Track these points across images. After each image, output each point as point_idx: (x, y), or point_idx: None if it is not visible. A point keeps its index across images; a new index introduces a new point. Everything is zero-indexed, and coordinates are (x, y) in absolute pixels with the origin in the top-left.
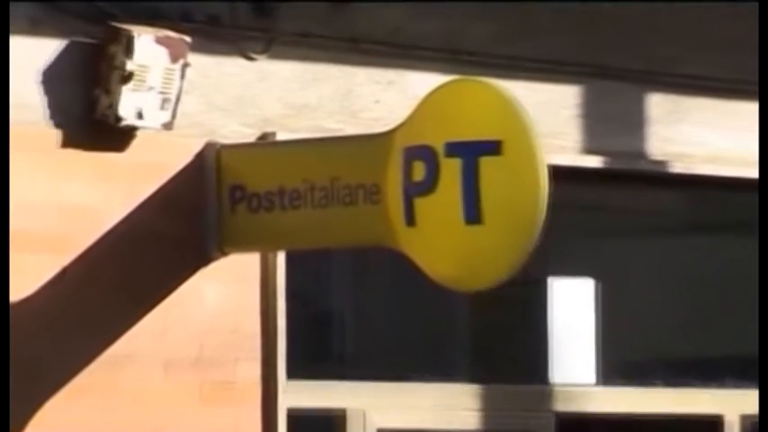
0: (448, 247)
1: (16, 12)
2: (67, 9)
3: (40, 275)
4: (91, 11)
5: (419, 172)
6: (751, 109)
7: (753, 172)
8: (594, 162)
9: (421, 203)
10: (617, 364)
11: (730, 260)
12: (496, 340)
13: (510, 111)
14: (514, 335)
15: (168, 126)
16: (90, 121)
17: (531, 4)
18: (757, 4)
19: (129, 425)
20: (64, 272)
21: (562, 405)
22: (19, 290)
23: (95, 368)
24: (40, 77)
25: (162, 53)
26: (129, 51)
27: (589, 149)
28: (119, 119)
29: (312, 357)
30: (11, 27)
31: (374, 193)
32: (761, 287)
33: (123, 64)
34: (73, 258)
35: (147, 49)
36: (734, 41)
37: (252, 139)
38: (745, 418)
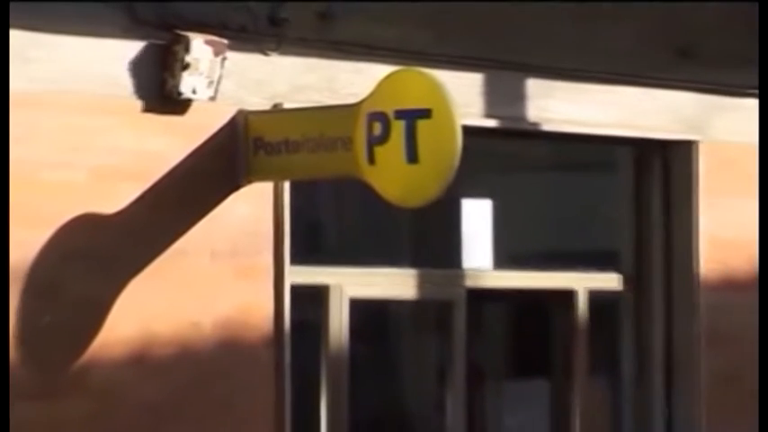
0: (396, 178)
1: (113, 22)
2: (147, 21)
3: (127, 197)
4: (162, 23)
5: (377, 129)
6: (595, 88)
7: (595, 130)
8: (492, 123)
9: (378, 150)
10: (505, 255)
11: (581, 187)
12: (428, 239)
13: (437, 89)
14: (440, 236)
15: (212, 99)
16: (161, 95)
17: (453, 18)
18: (757, 4)
19: (186, 295)
20: None
21: (470, 282)
22: (112, 207)
23: (164, 258)
24: (128, 66)
25: (208, 50)
26: (187, 49)
27: (488, 115)
28: (180, 94)
29: (307, 250)
30: (110, 32)
31: (348, 143)
32: (761, 284)
33: (183, 58)
34: (148, 186)
35: (199, 48)
36: (588, 43)
37: (267, 107)
38: (588, 291)
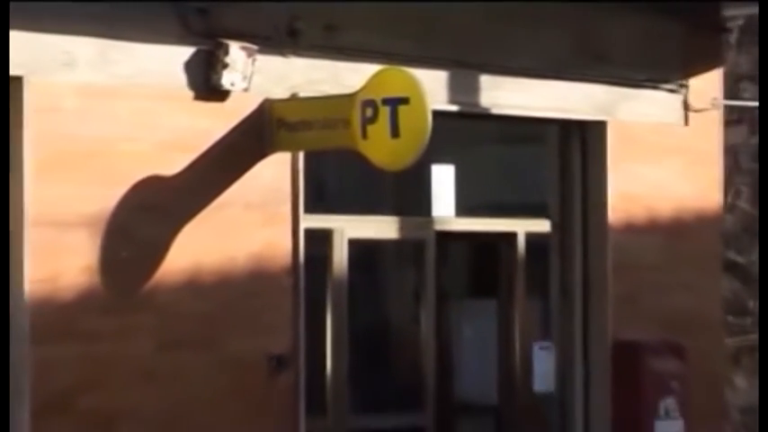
0: (382, 149)
1: (172, 33)
2: (197, 32)
3: (182, 163)
4: (208, 33)
5: (369, 112)
6: (532, 82)
7: (532, 113)
8: (454, 108)
9: (369, 127)
10: (464, 206)
11: (520, 155)
12: (406, 194)
13: (413, 82)
14: (415, 191)
15: (246, 90)
16: (207, 87)
17: (426, 30)
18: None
19: (225, 236)
20: None
21: (438, 226)
22: (171, 170)
23: (210, 208)
24: (183, 66)
25: (243, 54)
26: (226, 53)
27: (452, 102)
28: (221, 86)
29: (316, 202)
30: (170, 40)
31: (347, 123)
32: (761, 287)
33: (223, 59)
34: (198, 155)
35: (235, 52)
36: (528, 48)
37: (287, 96)
38: (526, 233)
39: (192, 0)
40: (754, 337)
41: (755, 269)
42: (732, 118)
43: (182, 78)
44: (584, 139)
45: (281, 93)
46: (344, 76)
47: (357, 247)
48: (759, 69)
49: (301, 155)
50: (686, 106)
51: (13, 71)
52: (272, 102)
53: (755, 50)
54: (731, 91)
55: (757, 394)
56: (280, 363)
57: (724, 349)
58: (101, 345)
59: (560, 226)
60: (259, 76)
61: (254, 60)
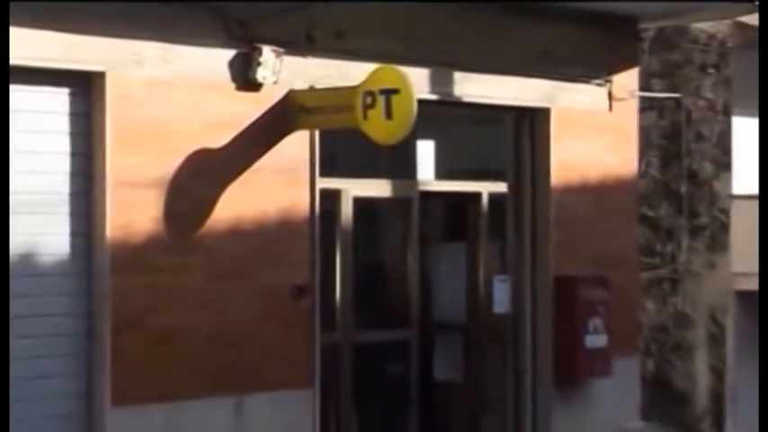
0: (379, 128)
1: (218, 38)
2: (238, 38)
3: (225, 139)
4: (246, 39)
5: (368, 100)
6: (494, 77)
7: (493, 101)
8: (435, 97)
9: (369, 112)
10: (442, 171)
11: (485, 134)
12: (398, 161)
13: (403, 77)
14: (403, 161)
15: (275, 83)
16: (245, 80)
17: (414, 36)
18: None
19: (259, 194)
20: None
21: (421, 187)
22: (216, 144)
23: (247, 173)
24: (227, 64)
25: (272, 55)
26: (260, 54)
27: (432, 92)
28: (256, 80)
29: (329, 168)
30: (216, 44)
31: (352, 108)
32: (761, 294)
33: (257, 59)
34: (238, 132)
35: (267, 53)
36: (491, 51)
37: (306, 87)
38: (490, 194)
39: (234, 0)
40: (662, 271)
41: (663, 221)
42: (645, 105)
43: (225, 73)
44: (532, 122)
45: (301, 85)
46: (350, 72)
47: (360, 203)
48: (759, 70)
49: (317, 132)
50: (610, 96)
51: (96, 68)
52: (294, 92)
53: (664, 54)
54: (644, 85)
55: (663, 317)
56: (300, 291)
57: (638, 281)
58: (164, 277)
59: (515, 187)
60: (285, 72)
61: (281, 60)
